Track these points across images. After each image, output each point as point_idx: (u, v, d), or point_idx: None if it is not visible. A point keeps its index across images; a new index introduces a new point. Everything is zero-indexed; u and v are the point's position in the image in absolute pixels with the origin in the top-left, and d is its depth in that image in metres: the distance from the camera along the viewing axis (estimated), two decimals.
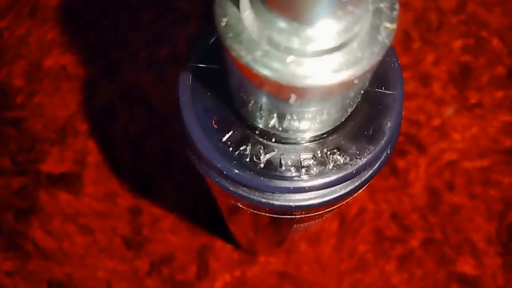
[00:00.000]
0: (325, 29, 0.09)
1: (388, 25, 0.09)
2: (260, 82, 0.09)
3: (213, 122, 0.11)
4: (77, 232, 0.27)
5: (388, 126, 0.12)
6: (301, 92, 0.09)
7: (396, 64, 0.12)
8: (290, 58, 0.08)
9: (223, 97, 0.12)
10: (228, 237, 0.27)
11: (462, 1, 0.33)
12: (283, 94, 0.09)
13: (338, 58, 0.09)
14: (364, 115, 0.12)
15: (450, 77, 0.32)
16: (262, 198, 0.12)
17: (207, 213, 0.28)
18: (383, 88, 0.12)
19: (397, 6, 0.09)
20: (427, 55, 0.32)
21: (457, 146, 0.30)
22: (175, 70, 0.31)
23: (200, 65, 0.12)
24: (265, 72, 0.08)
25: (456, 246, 0.29)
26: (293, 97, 0.09)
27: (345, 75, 0.09)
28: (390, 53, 0.13)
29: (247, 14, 0.09)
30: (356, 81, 0.09)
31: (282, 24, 0.09)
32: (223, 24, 0.09)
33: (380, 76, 0.13)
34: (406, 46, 0.32)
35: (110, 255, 0.27)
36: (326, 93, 0.09)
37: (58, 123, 0.29)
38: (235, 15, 0.09)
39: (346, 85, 0.09)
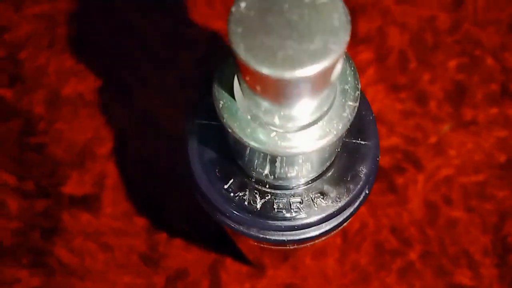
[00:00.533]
0: (298, 110, 0.11)
1: (351, 103, 0.11)
2: (252, 149, 0.11)
3: (216, 171, 0.13)
4: (98, 250, 0.30)
5: (363, 172, 0.14)
6: (286, 157, 0.11)
7: (371, 117, 0.14)
8: (273, 134, 0.11)
9: (225, 150, 0.14)
10: (236, 254, 0.29)
11: (456, 21, 0.35)
12: (271, 157, 0.11)
13: (312, 131, 0.11)
14: (343, 163, 0.14)
15: (446, 95, 0.33)
16: (260, 234, 0.14)
17: (216, 232, 0.30)
18: (359, 139, 0.14)
19: (359, 86, 0.11)
20: (423, 74, 0.34)
21: (453, 162, 0.32)
22: (182, 93, 0.33)
23: (204, 122, 0.14)
24: (254, 144, 0.10)
25: (454, 258, 0.30)
26: (278, 159, 0.11)
27: (317, 145, 0.11)
28: (366, 107, 0.15)
29: (238, 97, 0.11)
30: (327, 147, 0.11)
31: (264, 105, 0.11)
32: (220, 106, 0.11)
33: (357, 128, 0.14)
34: (403, 66, 0.34)
35: (128, 271, 0.29)
36: (305, 157, 0.11)
37: (77, 147, 0.31)
38: (229, 98, 0.11)
39: (320, 150, 0.11)
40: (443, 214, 0.31)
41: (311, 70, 0.09)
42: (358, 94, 0.11)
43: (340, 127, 0.11)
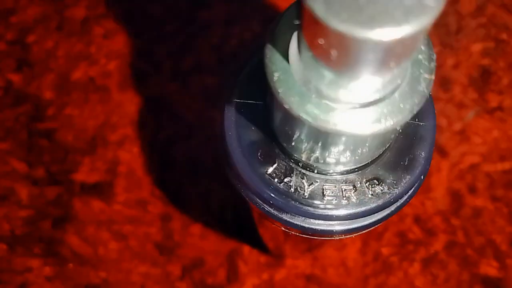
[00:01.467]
0: (369, 82, 0.09)
1: (427, 75, 0.10)
2: (302, 129, 0.10)
3: (258, 155, 0.12)
4: (111, 238, 0.29)
5: (422, 156, 0.13)
6: (348, 138, 0.10)
7: (429, 96, 0.13)
8: (338, 111, 0.09)
9: (267, 131, 0.13)
10: (255, 242, 0.28)
11: (481, 4, 0.34)
12: (324, 138, 0.10)
13: (382, 109, 0.09)
14: (399, 146, 0.13)
15: (470, 81, 0.32)
16: (306, 224, 0.13)
17: (233, 219, 0.29)
18: (416, 120, 0.13)
19: (434, 57, 0.10)
20: (447, 59, 0.33)
21: (478, 149, 0.31)
22: (197, 79, 0.32)
23: (244, 101, 0.13)
24: (316, 123, 0.09)
25: (479, 249, 0.29)
26: (332, 140, 0.10)
27: (388, 124, 0.09)
28: None
29: (296, 67, 0.09)
30: (398, 128, 0.10)
31: (329, 76, 0.09)
32: (275, 79, 0.10)
33: None
34: None
35: (143, 260, 0.28)
36: (364, 138, 0.10)
37: (88, 134, 0.30)
38: (285, 69, 0.10)
39: (388, 132, 0.10)
40: (468, 203, 0.30)
41: (405, 30, 0.08)
42: (433, 65, 0.10)
43: (415, 103, 0.10)
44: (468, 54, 0.33)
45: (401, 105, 0.10)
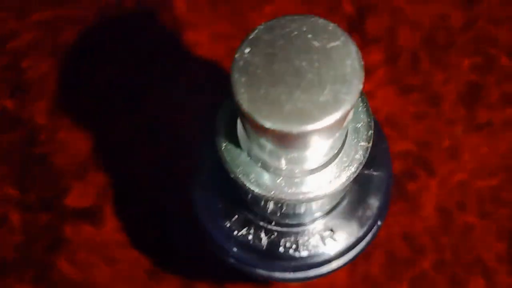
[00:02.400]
0: (309, 153, 0.10)
1: (363, 143, 0.10)
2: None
3: (220, 206, 0.13)
4: (102, 263, 0.29)
5: (376, 205, 0.13)
6: (291, 203, 0.10)
7: (384, 145, 0.13)
8: (280, 179, 0.10)
9: (229, 186, 0.13)
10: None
11: (470, 19, 0.34)
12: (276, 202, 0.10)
13: (322, 175, 0.10)
14: (354, 196, 0.13)
15: (459, 97, 0.32)
16: (266, 273, 0.13)
17: None
18: (371, 169, 0.13)
19: (372, 124, 0.10)
20: (435, 75, 0.33)
21: (467, 166, 0.31)
22: (190, 100, 0.32)
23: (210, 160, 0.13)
24: (259, 191, 0.10)
25: (467, 266, 0.29)
26: (285, 204, 0.10)
27: (327, 190, 0.10)
28: (379, 134, 0.14)
29: (242, 138, 0.10)
30: (338, 190, 0.10)
31: (270, 148, 0.10)
32: (222, 147, 0.10)
33: (369, 158, 0.13)
34: (415, 66, 0.33)
35: (133, 285, 0.29)
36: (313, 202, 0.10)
37: (80, 158, 0.31)
38: (232, 137, 0.10)
39: (330, 194, 0.10)
40: (457, 221, 0.30)
41: (321, 124, 0.08)
42: (371, 133, 0.10)
43: (352, 170, 0.10)
44: (457, 70, 0.33)
45: (338, 174, 0.10)
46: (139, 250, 0.29)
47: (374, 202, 0.13)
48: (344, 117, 0.09)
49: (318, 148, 0.09)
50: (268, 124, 0.08)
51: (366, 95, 0.13)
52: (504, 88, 0.32)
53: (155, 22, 0.33)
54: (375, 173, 0.13)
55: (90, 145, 0.31)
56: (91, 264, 0.29)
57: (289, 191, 0.10)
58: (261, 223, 0.12)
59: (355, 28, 0.33)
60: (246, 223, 0.12)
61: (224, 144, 0.10)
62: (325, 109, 0.08)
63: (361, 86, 0.09)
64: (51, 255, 0.29)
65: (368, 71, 0.33)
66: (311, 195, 0.10)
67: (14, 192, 0.30)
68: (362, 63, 0.09)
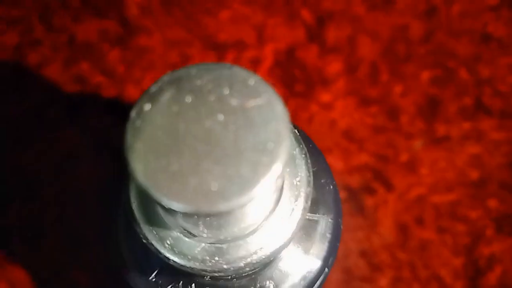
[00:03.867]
0: (232, 219, 0.08)
1: (301, 203, 0.09)
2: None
3: (145, 257, 0.11)
4: None
5: (323, 255, 0.12)
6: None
7: (331, 186, 0.12)
8: (200, 246, 0.08)
9: None
10: None
11: (429, 31, 0.33)
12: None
13: (252, 240, 0.09)
14: (298, 243, 0.12)
15: (418, 110, 0.32)
16: None
17: None
18: (317, 212, 0.12)
19: (311, 178, 0.09)
20: (394, 87, 0.32)
21: (425, 180, 0.31)
22: None
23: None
24: (177, 260, 0.08)
25: (425, 282, 0.29)
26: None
27: (256, 259, 0.09)
28: (326, 174, 0.13)
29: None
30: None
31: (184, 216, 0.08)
32: (134, 207, 0.09)
33: (314, 198, 0.12)
34: (374, 78, 0.32)
35: None
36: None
37: (21, 172, 0.29)
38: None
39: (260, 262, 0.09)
40: (415, 236, 0.30)
41: (234, 203, 0.07)
42: (310, 190, 0.09)
43: (287, 236, 0.09)
44: (416, 82, 0.32)
45: (268, 240, 0.09)
46: (82, 271, 0.28)
47: (320, 252, 0.12)
48: (267, 190, 0.07)
49: (243, 213, 0.08)
50: (168, 203, 0.07)
51: (298, 127, 0.11)
52: (463, 102, 0.32)
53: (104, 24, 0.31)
54: (321, 216, 0.12)
55: (32, 158, 0.29)
56: None
57: (212, 261, 0.08)
58: (192, 276, 0.11)
59: (314, 37, 0.32)
60: (174, 276, 0.11)
61: (135, 203, 0.09)
62: (241, 185, 0.07)
63: (287, 154, 0.07)
64: None
65: (328, 81, 0.32)
66: (238, 264, 0.08)
67: None
68: (290, 125, 0.07)
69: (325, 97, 0.32)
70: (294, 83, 0.31)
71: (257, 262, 0.09)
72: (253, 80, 0.07)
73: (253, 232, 0.09)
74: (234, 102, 0.07)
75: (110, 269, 0.28)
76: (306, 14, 0.33)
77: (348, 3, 0.33)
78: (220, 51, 0.31)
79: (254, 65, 0.31)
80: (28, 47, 0.31)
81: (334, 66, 0.32)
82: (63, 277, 0.28)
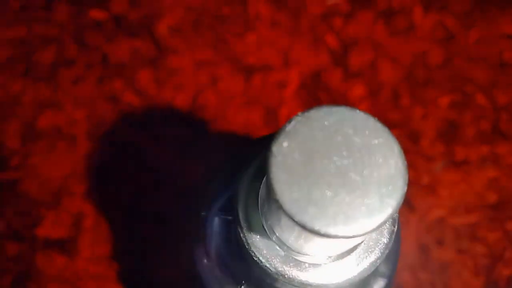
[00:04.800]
0: (338, 242, 0.09)
1: (389, 226, 0.10)
2: None
3: (225, 273, 0.12)
4: None
5: (387, 274, 0.13)
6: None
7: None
8: (306, 265, 0.09)
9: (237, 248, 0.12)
10: None
11: (448, 57, 0.34)
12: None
13: (348, 260, 0.09)
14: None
15: (438, 133, 0.33)
16: None
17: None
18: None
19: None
20: (415, 111, 0.33)
21: (445, 202, 0.31)
22: (166, 127, 0.31)
23: (225, 217, 0.12)
24: (287, 277, 0.09)
25: None
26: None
27: (353, 274, 0.09)
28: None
29: (265, 222, 0.09)
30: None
31: (298, 234, 0.09)
32: (244, 229, 0.09)
33: None
34: (395, 102, 0.33)
35: None
36: None
37: (53, 185, 0.29)
38: (255, 219, 0.10)
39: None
40: (435, 257, 0.30)
41: (367, 228, 0.08)
42: (397, 215, 0.10)
43: (377, 254, 0.10)
44: (435, 107, 0.33)
45: (364, 257, 0.10)
46: (114, 283, 0.28)
47: (385, 271, 0.13)
48: (388, 219, 0.08)
49: (350, 240, 0.09)
50: (311, 226, 0.08)
51: None
52: (480, 126, 0.33)
53: (136, 44, 0.32)
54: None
55: (64, 171, 0.30)
56: None
57: (317, 277, 0.09)
58: None
59: (338, 61, 0.33)
60: None
61: (246, 225, 0.09)
62: (371, 214, 0.08)
63: (406, 188, 0.08)
64: None
65: (351, 104, 0.33)
66: (338, 280, 0.09)
67: None
68: (406, 162, 0.08)
69: None
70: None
71: (351, 279, 0.09)
72: (372, 121, 0.08)
73: (350, 252, 0.10)
74: (357, 140, 0.08)
75: (139, 284, 0.28)
76: (330, 39, 0.34)
77: (370, 29, 0.34)
78: (248, 73, 0.32)
79: (280, 88, 0.32)
80: (63, 66, 0.32)
81: (357, 90, 0.33)
82: None
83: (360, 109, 0.33)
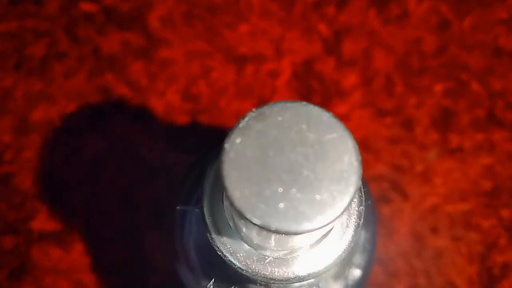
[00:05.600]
0: (300, 238, 0.09)
1: (355, 220, 0.10)
2: None
3: (200, 267, 0.12)
4: None
5: (362, 265, 0.13)
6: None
7: (369, 202, 0.13)
8: (268, 260, 0.09)
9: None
10: None
11: (442, 44, 0.34)
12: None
13: (312, 254, 0.10)
14: None
15: (432, 121, 0.33)
16: None
17: None
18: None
19: (363, 198, 0.10)
20: (409, 99, 0.33)
21: (439, 190, 0.31)
22: (161, 120, 0.31)
23: (196, 209, 0.12)
24: (248, 270, 0.09)
25: None
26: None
27: (316, 269, 0.09)
28: (364, 189, 0.13)
29: (229, 217, 0.09)
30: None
31: (255, 230, 0.09)
32: (208, 222, 0.09)
33: None
34: (389, 90, 0.33)
35: None
36: None
37: (47, 178, 0.30)
38: (220, 211, 0.10)
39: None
40: (430, 245, 0.30)
41: (318, 224, 0.08)
42: (362, 208, 0.10)
43: (342, 249, 0.10)
44: (430, 94, 0.33)
45: (327, 253, 0.10)
46: (110, 273, 0.28)
47: (360, 262, 0.13)
48: (340, 215, 0.08)
49: (310, 234, 0.09)
50: (261, 223, 0.08)
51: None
52: (475, 113, 0.33)
53: (127, 37, 0.32)
54: (361, 232, 0.13)
55: (58, 164, 0.30)
56: None
57: (279, 271, 0.09)
58: (245, 284, 0.12)
59: (331, 50, 0.33)
60: (229, 284, 0.12)
61: (210, 219, 0.10)
62: (322, 209, 0.08)
63: (359, 184, 0.08)
64: (16, 281, 0.28)
65: (344, 93, 0.33)
66: (300, 274, 0.09)
67: None
68: (360, 157, 0.08)
69: (342, 108, 0.33)
70: (311, 94, 0.32)
71: (318, 272, 0.09)
72: (326, 116, 0.08)
73: (315, 245, 0.10)
74: (311, 136, 0.08)
75: (134, 273, 0.29)
76: (323, 28, 0.34)
77: (363, 17, 0.34)
78: (240, 63, 0.32)
79: (272, 77, 0.32)
80: (55, 59, 0.31)
81: (350, 79, 0.33)
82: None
83: (351, 97, 0.33)
